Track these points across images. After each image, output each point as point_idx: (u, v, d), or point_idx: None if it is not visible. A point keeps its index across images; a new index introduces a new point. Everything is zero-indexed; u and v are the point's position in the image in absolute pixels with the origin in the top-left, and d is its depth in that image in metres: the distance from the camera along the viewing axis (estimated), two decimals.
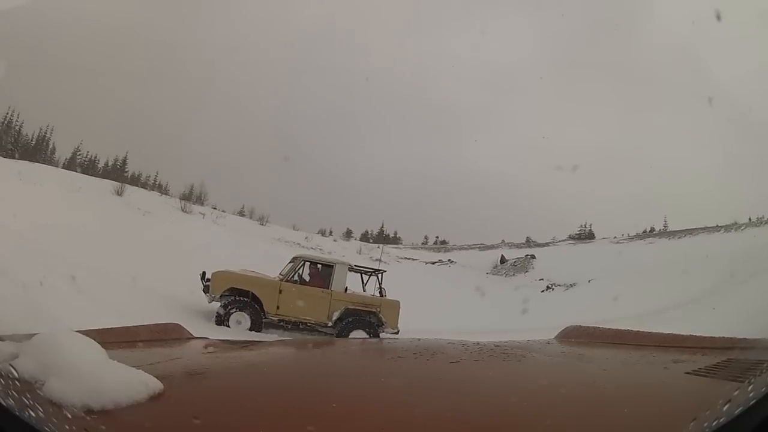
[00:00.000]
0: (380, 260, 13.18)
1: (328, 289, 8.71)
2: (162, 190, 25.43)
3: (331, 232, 27.21)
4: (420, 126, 36.99)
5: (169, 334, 1.59)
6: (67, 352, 0.78)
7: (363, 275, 9.69)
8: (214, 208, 23.93)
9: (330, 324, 8.52)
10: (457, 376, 1.23)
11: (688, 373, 1.07)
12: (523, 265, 22.61)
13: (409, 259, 23.10)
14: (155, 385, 0.82)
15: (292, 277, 8.82)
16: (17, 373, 0.74)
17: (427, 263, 23.31)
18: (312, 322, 8.57)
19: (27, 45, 21.18)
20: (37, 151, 25.04)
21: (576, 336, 1.79)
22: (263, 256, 13.26)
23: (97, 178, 22.50)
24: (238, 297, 8.25)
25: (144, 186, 25.45)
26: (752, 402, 0.64)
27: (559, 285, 18.75)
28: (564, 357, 1.57)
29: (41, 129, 25.25)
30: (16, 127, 24.64)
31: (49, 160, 24.50)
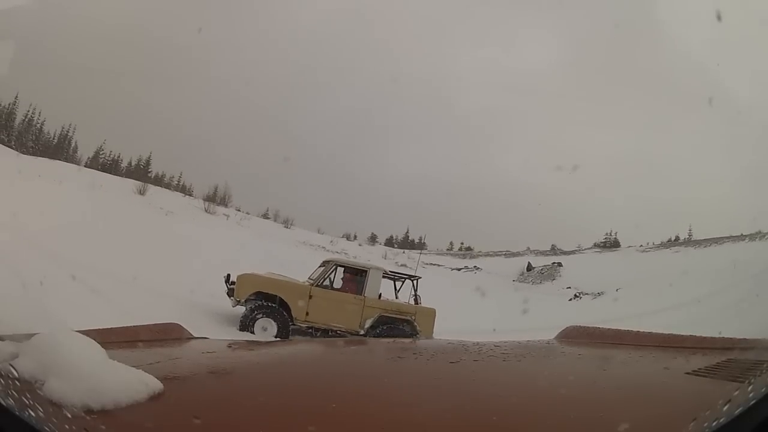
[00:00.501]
0: (417, 265, 12.41)
1: (360, 295, 8.32)
2: (186, 191, 25.61)
3: (355, 237, 27.24)
4: (445, 132, 36.93)
5: (169, 334, 1.59)
6: (67, 352, 0.78)
7: (396, 281, 9.31)
8: (238, 210, 24.00)
9: (362, 332, 8.13)
10: (457, 376, 1.23)
11: (688, 373, 1.07)
12: (550, 272, 22.26)
13: (434, 264, 22.70)
14: (155, 385, 0.82)
15: (323, 282, 8.41)
16: (17, 373, 0.74)
17: (452, 269, 23.08)
18: (343, 329, 8.19)
19: (50, 45, 21.32)
20: (59, 149, 25.16)
21: (576, 336, 1.79)
22: (289, 259, 12.97)
23: (120, 177, 22.61)
24: (264, 302, 7.81)
25: (167, 186, 25.54)
26: (752, 402, 0.64)
27: (587, 293, 18.41)
28: (564, 357, 1.56)
29: (63, 128, 25.40)
30: (38, 125, 24.80)
31: (71, 159, 24.64)
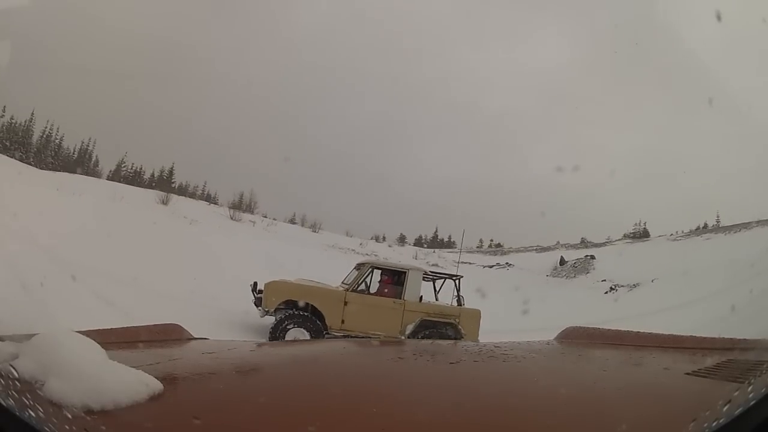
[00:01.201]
0: (457, 265, 11.84)
1: (400, 299, 7.75)
2: (211, 199, 26.03)
3: (384, 238, 27.38)
4: (470, 132, 37.31)
5: (169, 335, 1.59)
6: (67, 352, 0.78)
7: (435, 282, 8.72)
8: (265, 217, 24.16)
9: (402, 338, 7.58)
10: (457, 376, 1.24)
11: (687, 373, 1.07)
12: (584, 266, 22.06)
13: (466, 263, 22.53)
14: (155, 385, 0.82)
15: (358, 286, 7.82)
16: (17, 373, 0.74)
17: (484, 267, 22.78)
18: (382, 336, 7.64)
19: (65, 53, 21.50)
20: (79, 163, 25.37)
21: (576, 337, 1.79)
22: (318, 263, 12.77)
23: (143, 189, 22.77)
24: (295, 310, 7.26)
25: (192, 196, 25.87)
26: (752, 402, 0.65)
27: (623, 285, 18.18)
28: (564, 357, 1.57)
29: (83, 142, 25.63)
30: (56, 141, 25.03)
31: (92, 172, 24.99)
